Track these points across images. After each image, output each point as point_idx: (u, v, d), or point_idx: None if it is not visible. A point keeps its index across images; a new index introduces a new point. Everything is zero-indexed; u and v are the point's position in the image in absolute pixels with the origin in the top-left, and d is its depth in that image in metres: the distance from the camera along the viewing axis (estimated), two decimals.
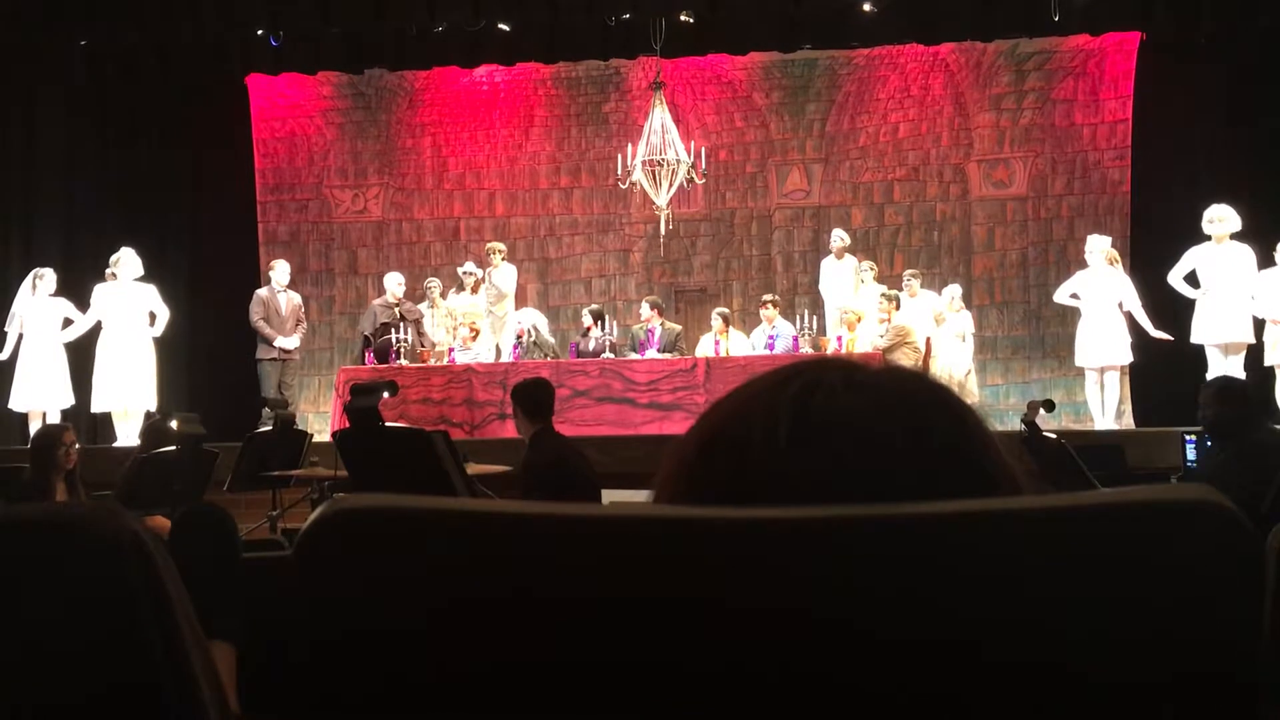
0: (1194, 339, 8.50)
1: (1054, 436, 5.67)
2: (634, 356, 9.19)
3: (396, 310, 9.65)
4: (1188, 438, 6.35)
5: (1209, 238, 8.46)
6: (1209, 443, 5.55)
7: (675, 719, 0.50)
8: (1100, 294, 8.76)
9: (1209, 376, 8.32)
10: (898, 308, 9.20)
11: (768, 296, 9.79)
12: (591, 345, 9.38)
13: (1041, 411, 5.98)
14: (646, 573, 0.50)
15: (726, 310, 9.92)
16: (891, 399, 0.59)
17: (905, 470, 0.57)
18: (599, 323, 9.51)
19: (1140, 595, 0.50)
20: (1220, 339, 8.37)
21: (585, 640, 0.51)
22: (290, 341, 9.66)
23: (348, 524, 0.52)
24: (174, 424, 6.10)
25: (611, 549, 0.51)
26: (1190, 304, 8.52)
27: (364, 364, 9.30)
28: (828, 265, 10.21)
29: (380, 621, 0.52)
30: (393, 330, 9.32)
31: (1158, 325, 8.70)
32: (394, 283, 9.85)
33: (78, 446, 5.07)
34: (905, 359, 8.72)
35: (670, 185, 9.59)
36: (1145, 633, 0.50)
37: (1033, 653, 0.50)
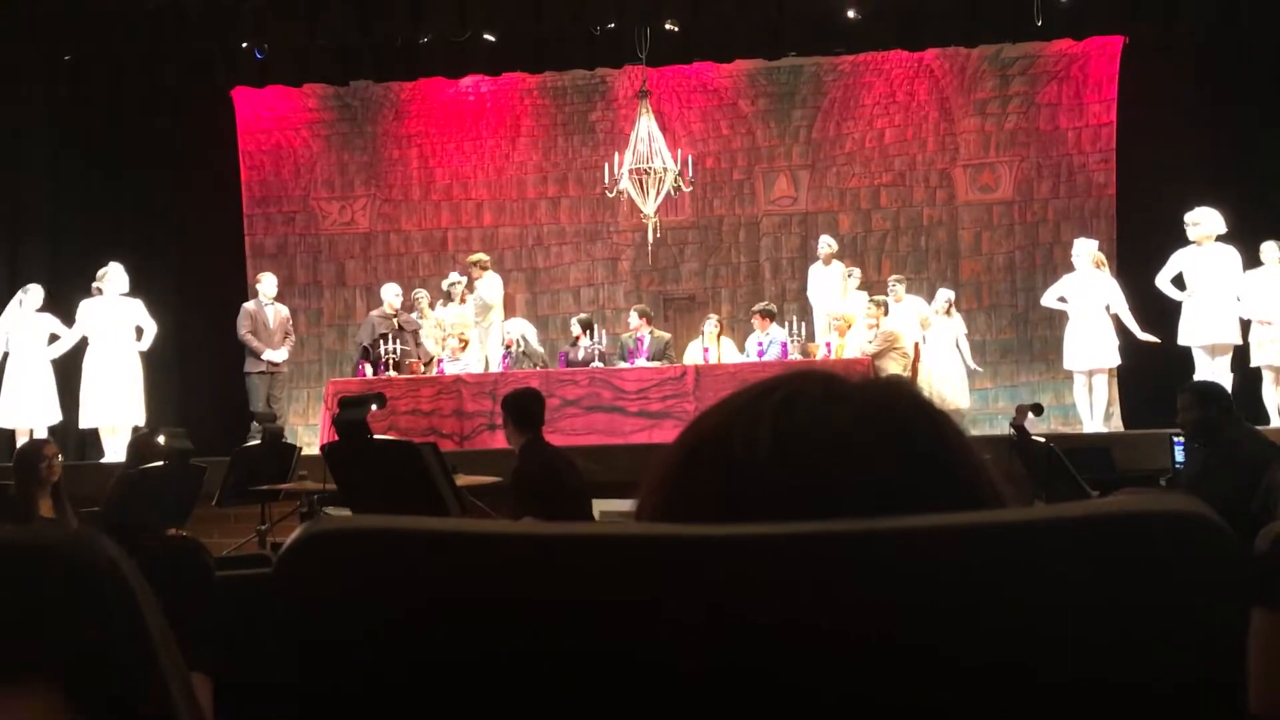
0: (1181, 341, 8.53)
1: (1043, 440, 5.68)
2: (623, 365, 9.18)
3: (395, 321, 9.65)
4: (1176, 439, 6.37)
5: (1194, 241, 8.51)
6: (1185, 444, 5.58)
7: None
8: (1087, 297, 8.79)
9: (1196, 378, 8.37)
10: (886, 313, 9.22)
11: (760, 306, 9.77)
12: (581, 354, 9.38)
13: (1030, 415, 6.00)
14: (633, 591, 0.50)
15: (718, 317, 9.94)
16: (871, 410, 0.60)
17: (886, 481, 0.57)
18: (588, 332, 9.51)
19: (1124, 606, 0.50)
20: (1207, 341, 8.41)
21: (572, 662, 0.50)
22: (278, 354, 9.63)
23: (325, 546, 0.52)
24: (161, 439, 6.09)
25: (597, 568, 0.51)
26: (1177, 306, 8.56)
27: (359, 376, 9.30)
28: (815, 271, 10.23)
29: (361, 643, 0.52)
30: (383, 342, 9.30)
31: (1145, 328, 8.74)
32: (391, 293, 9.85)
33: (60, 459, 5.05)
34: (894, 364, 8.73)
35: (657, 193, 9.60)
36: (1129, 643, 0.50)
37: (1017, 665, 0.50)
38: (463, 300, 9.96)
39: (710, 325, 9.60)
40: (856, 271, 10.20)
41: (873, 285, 10.18)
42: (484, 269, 9.84)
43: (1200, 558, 0.50)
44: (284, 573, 0.52)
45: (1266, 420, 8.10)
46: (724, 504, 0.57)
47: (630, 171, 9.55)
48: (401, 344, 9.31)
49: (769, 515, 0.51)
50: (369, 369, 9.31)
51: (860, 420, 0.59)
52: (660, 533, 0.52)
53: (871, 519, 0.50)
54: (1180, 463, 6.24)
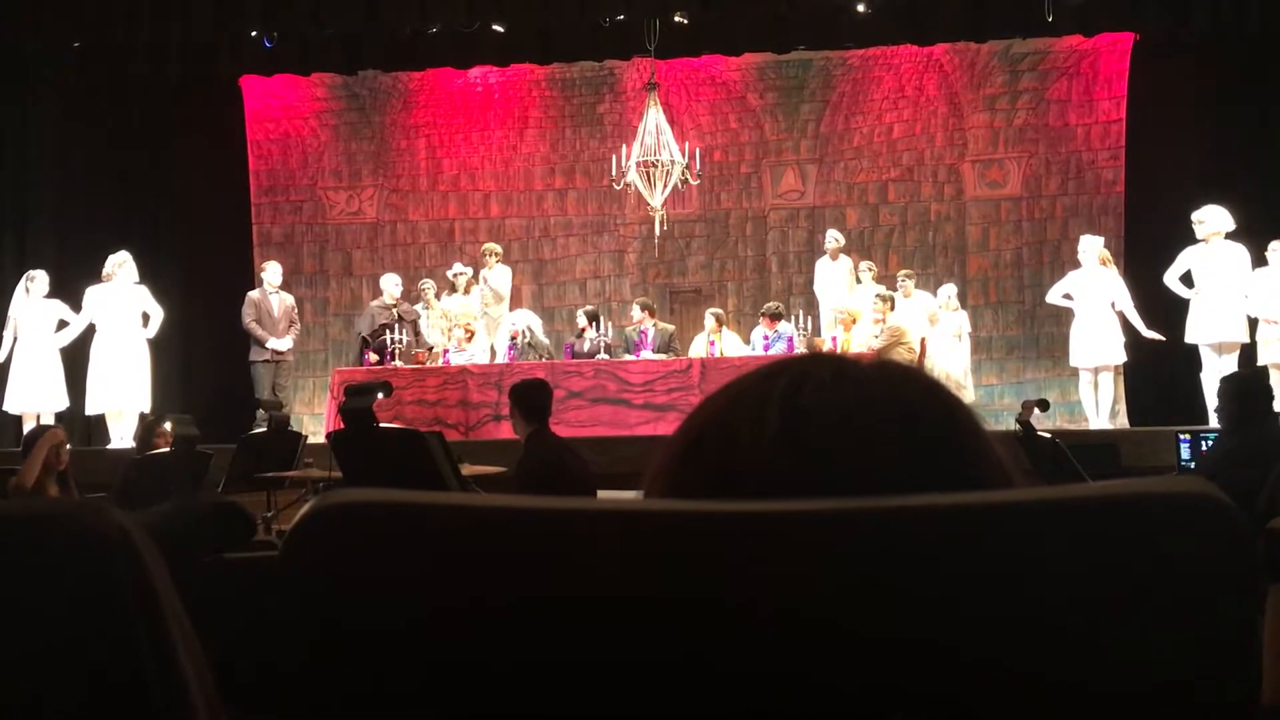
0: (1188, 339, 8.51)
1: (1049, 436, 5.67)
2: (629, 358, 9.18)
3: (394, 311, 9.64)
4: (1181, 437, 6.36)
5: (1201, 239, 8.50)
6: (1219, 435, 5.56)
7: (665, 717, 0.50)
8: (1093, 294, 8.77)
9: (1203, 376, 8.36)
10: (892, 308, 9.20)
11: (768, 309, 9.69)
12: (586, 346, 9.38)
13: (1036, 411, 5.99)
14: (640, 568, 0.50)
15: (720, 311, 9.91)
16: (880, 392, 0.59)
17: (895, 463, 0.56)
18: (594, 324, 9.51)
19: (1133, 589, 0.50)
20: (1214, 338, 8.38)
21: (578, 636, 0.50)
22: (282, 343, 9.64)
23: (338, 519, 0.52)
24: (168, 425, 6.10)
25: (605, 544, 0.51)
26: (1184, 303, 8.54)
27: (362, 365, 9.30)
28: (822, 266, 10.21)
29: (371, 618, 0.52)
30: (389, 331, 9.31)
31: (1151, 325, 8.72)
32: (391, 284, 9.84)
33: (69, 447, 5.06)
34: (900, 359, 8.70)
35: (665, 186, 9.58)
36: (1138, 626, 0.50)
37: (1026, 649, 0.50)
38: (467, 291, 9.97)
39: (709, 319, 9.57)
40: (870, 264, 10.10)
41: (882, 281, 10.15)
42: (497, 259, 9.92)
43: (1210, 539, 0.50)
44: (294, 547, 0.52)
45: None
46: (731, 486, 0.57)
47: (638, 164, 9.53)
48: (395, 334, 9.29)
49: (776, 495, 0.51)
50: (374, 358, 9.31)
51: (868, 402, 0.59)
52: (669, 509, 0.52)
53: (878, 498, 0.50)
54: (1185, 460, 6.23)
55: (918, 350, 9.14)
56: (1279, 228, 8.58)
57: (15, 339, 8.80)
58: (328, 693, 0.52)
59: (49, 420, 8.32)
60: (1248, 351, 8.46)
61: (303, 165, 11.81)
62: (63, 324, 8.95)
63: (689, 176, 9.64)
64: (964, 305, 10.17)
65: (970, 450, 0.60)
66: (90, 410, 9.05)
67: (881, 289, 9.52)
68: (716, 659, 0.49)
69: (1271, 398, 5.08)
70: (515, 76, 11.48)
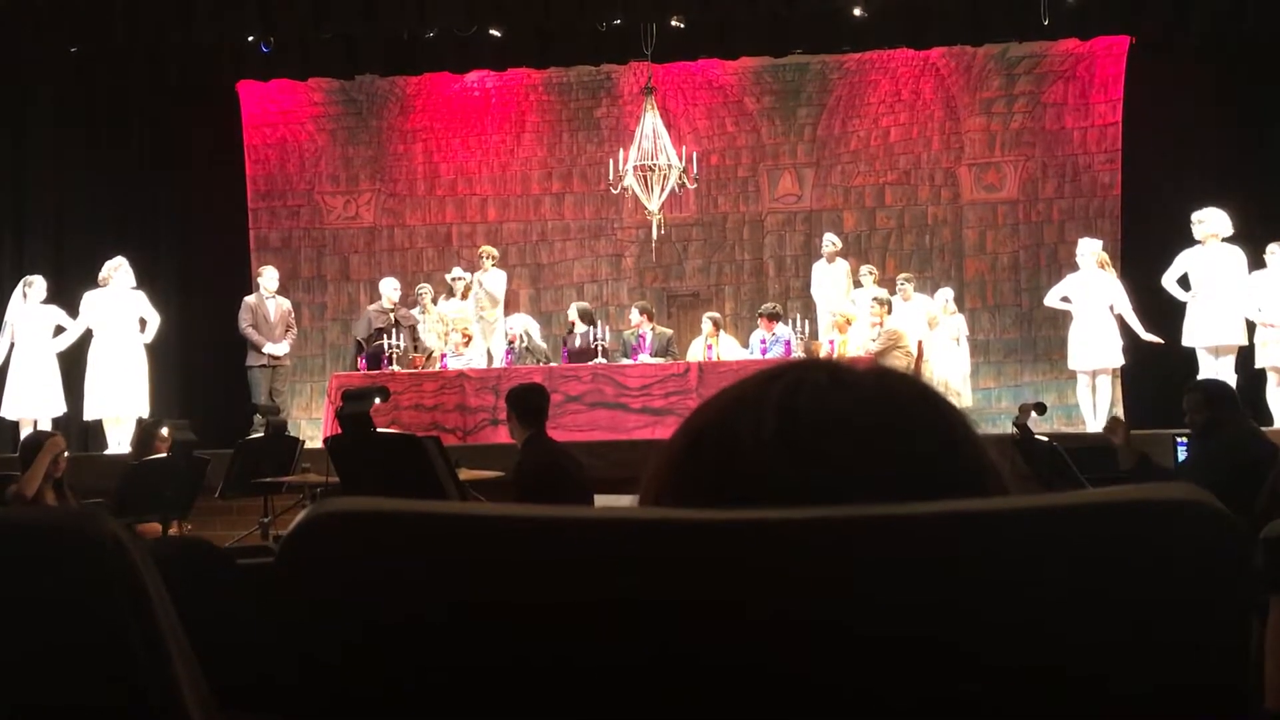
0: (1185, 341, 8.52)
1: (1046, 439, 5.68)
2: (626, 362, 9.18)
3: (391, 315, 9.64)
4: (1179, 440, 6.36)
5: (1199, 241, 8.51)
6: (1189, 440, 5.60)
7: None
8: (1091, 297, 8.78)
9: (1200, 377, 8.36)
10: (889, 312, 9.21)
11: (765, 309, 9.70)
12: (578, 343, 9.37)
13: (1033, 414, 5.99)
14: (636, 575, 0.50)
15: (718, 315, 9.91)
16: (877, 398, 0.60)
17: (890, 469, 0.57)
18: (586, 321, 9.50)
19: (1127, 595, 0.50)
20: (1211, 341, 8.39)
21: (576, 642, 0.50)
22: (279, 348, 9.63)
23: (334, 526, 0.52)
24: (165, 431, 6.11)
25: (600, 551, 0.51)
26: (1182, 306, 8.55)
27: (357, 370, 9.30)
28: (819, 269, 10.22)
29: (366, 624, 0.52)
30: (385, 336, 9.30)
31: (1149, 328, 8.73)
32: (389, 288, 9.84)
33: (67, 454, 5.05)
34: (897, 363, 8.72)
35: (662, 190, 9.59)
36: (1132, 633, 0.50)
37: (1019, 655, 0.50)
38: (464, 296, 9.96)
39: (706, 323, 9.57)
40: (872, 268, 10.09)
41: (882, 285, 10.14)
42: (493, 261, 9.93)
43: (1204, 545, 0.50)
44: (290, 554, 0.52)
45: (1270, 421, 8.09)
46: (728, 490, 0.57)
47: (635, 168, 9.53)
48: (390, 339, 9.28)
49: (772, 500, 0.51)
50: (367, 363, 9.30)
51: (865, 405, 0.59)
52: (666, 517, 0.52)
53: (873, 505, 0.50)
54: (1183, 463, 6.24)
55: (915, 354, 9.14)
56: (1277, 230, 8.59)
57: (12, 344, 8.79)
58: (325, 697, 0.52)
59: (46, 426, 8.30)
60: (1245, 354, 8.47)
61: (300, 170, 11.81)
62: (60, 329, 8.94)
63: (686, 180, 9.64)
64: (961, 309, 10.18)
65: (964, 456, 0.60)
66: (88, 416, 9.04)
67: (882, 292, 9.52)
68: (714, 664, 0.49)
69: (1235, 401, 5.11)
70: (512, 81, 11.49)
